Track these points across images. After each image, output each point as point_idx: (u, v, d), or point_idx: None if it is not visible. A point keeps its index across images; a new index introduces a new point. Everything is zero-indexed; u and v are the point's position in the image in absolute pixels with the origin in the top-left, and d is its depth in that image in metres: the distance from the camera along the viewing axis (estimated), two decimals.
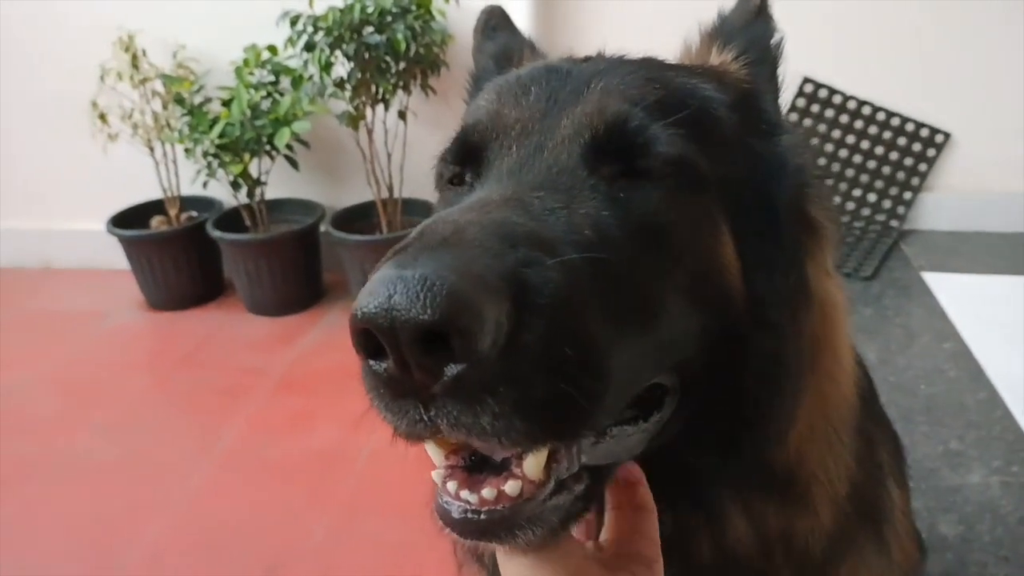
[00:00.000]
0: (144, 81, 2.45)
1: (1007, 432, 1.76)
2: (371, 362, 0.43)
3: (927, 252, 2.57)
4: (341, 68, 2.30)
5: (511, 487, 0.48)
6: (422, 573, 1.64)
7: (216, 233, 2.57)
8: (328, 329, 2.61)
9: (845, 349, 0.68)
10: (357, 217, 2.66)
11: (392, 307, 0.40)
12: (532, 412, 0.44)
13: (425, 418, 0.44)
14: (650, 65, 0.66)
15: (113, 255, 2.83)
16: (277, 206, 2.73)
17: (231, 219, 2.66)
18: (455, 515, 0.49)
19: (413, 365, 0.41)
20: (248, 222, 2.63)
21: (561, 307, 0.44)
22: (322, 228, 2.69)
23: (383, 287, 0.41)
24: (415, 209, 2.66)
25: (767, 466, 0.61)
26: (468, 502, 0.49)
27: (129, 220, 2.75)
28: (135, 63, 2.41)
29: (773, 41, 0.72)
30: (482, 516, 0.49)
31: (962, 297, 2.30)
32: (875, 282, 2.40)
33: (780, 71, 0.72)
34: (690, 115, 0.59)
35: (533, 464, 0.49)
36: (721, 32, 0.73)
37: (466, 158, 0.65)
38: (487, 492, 0.49)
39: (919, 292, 2.35)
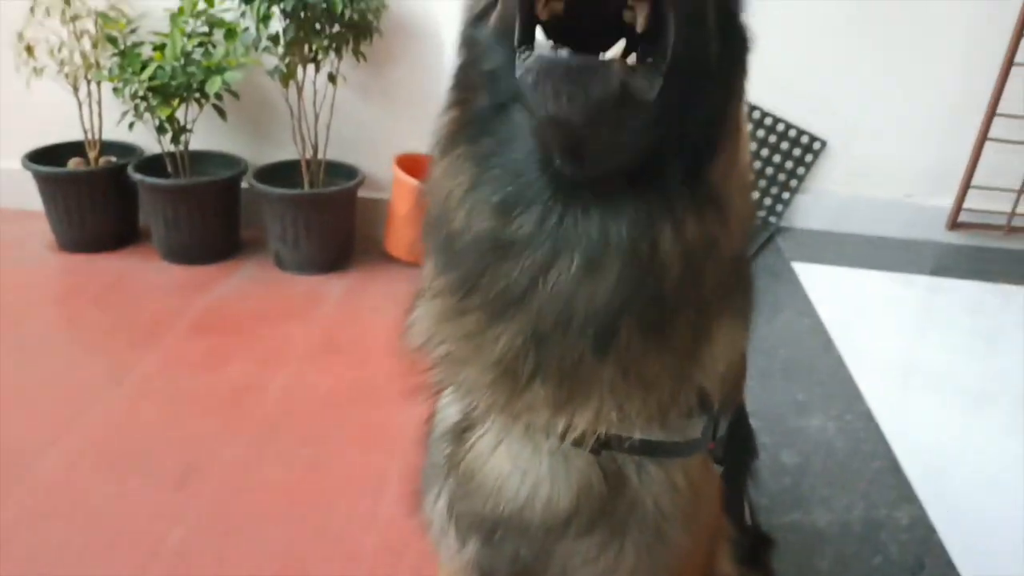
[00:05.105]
0: (75, 19, 2.48)
1: (847, 390, 2.05)
2: None
3: (798, 246, 2.90)
4: (276, 24, 2.41)
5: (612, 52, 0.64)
6: (331, 488, 1.78)
7: (137, 176, 2.61)
8: (244, 281, 2.70)
9: (747, 140, 0.84)
10: (280, 174, 2.75)
11: None
12: None
13: None
14: None
15: (25, 194, 2.82)
16: (200, 158, 2.78)
17: (152, 165, 2.70)
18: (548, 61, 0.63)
19: None
20: (170, 169, 2.68)
21: None
22: (244, 184, 2.77)
23: None
24: (338, 171, 2.79)
25: (704, 179, 0.76)
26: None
27: (46, 159, 2.75)
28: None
29: None
30: (574, 64, 0.63)
31: (823, 284, 2.63)
32: (752, 260, 2.69)
33: None
34: None
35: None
36: None
37: None
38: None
39: (788, 278, 2.66)
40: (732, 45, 0.80)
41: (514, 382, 0.81)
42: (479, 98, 0.79)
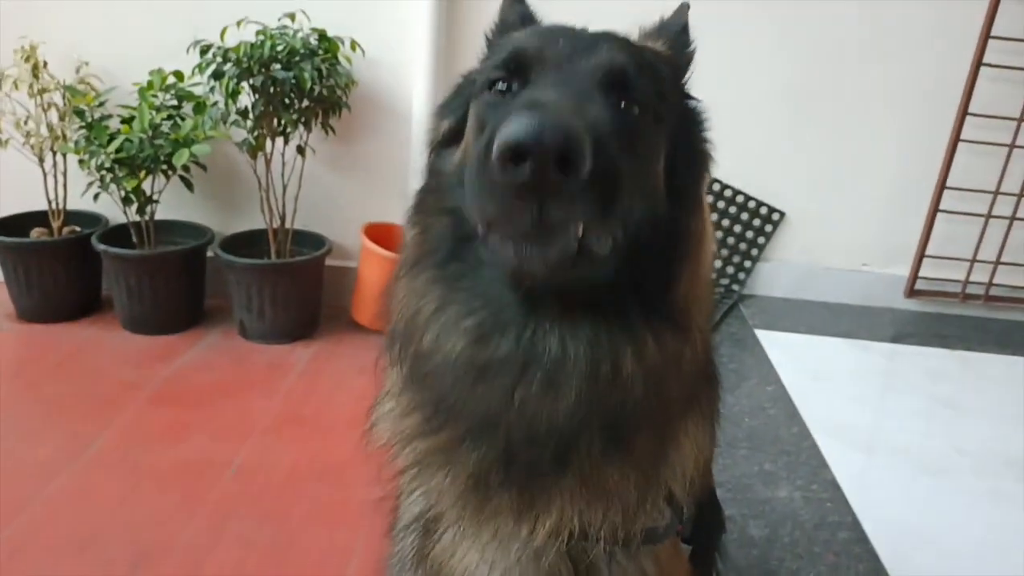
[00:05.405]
0: (43, 92, 2.49)
1: (812, 459, 2.06)
2: (506, 172, 0.64)
3: (761, 313, 2.94)
4: (245, 98, 2.44)
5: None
6: (292, 570, 1.72)
7: (101, 246, 2.59)
8: (206, 350, 2.66)
9: (710, 247, 0.90)
10: (246, 243, 2.74)
11: (543, 133, 0.61)
12: (593, 206, 0.68)
13: (534, 212, 0.65)
14: (628, 40, 0.89)
15: None
16: (166, 227, 2.78)
17: (117, 235, 2.69)
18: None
19: (549, 167, 0.62)
20: (135, 239, 2.67)
21: (608, 153, 0.69)
22: (209, 253, 2.76)
23: (536, 123, 0.62)
24: (306, 240, 2.79)
25: (667, 301, 0.81)
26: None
27: (7, 228, 2.72)
28: (36, 73, 2.45)
29: (690, 48, 0.98)
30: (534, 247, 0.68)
31: (786, 351, 2.66)
32: (715, 335, 2.72)
33: (690, 68, 0.99)
34: (656, 76, 0.84)
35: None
36: (661, 30, 0.98)
37: (515, 70, 0.83)
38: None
39: (751, 345, 2.69)
40: (691, 174, 0.86)
41: (485, 492, 0.82)
42: (441, 226, 0.83)
